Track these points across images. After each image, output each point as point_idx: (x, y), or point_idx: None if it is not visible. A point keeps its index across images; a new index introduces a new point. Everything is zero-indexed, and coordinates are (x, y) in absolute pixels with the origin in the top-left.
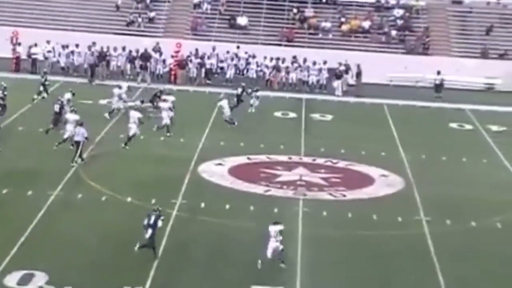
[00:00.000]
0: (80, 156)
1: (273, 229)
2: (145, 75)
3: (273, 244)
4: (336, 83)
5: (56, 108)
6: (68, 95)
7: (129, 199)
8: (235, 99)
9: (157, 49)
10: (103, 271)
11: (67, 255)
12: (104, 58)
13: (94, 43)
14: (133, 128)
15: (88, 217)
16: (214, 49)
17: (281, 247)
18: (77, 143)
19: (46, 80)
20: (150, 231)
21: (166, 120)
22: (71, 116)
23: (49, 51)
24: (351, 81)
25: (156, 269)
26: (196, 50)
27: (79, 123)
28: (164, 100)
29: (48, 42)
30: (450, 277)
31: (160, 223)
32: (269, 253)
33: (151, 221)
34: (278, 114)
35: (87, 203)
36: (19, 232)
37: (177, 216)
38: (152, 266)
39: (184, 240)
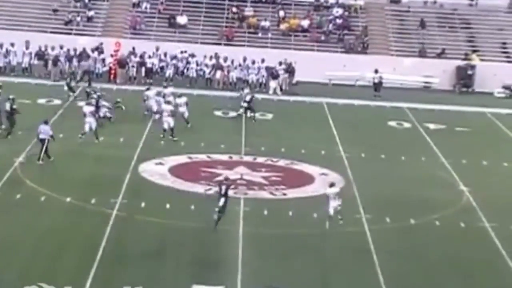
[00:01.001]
0: (46, 153)
1: (332, 191)
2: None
3: (334, 203)
4: (273, 83)
5: (94, 102)
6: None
7: (68, 199)
8: (245, 105)
9: (98, 49)
10: (42, 271)
11: (6, 256)
12: (43, 57)
13: (27, 42)
14: (169, 121)
15: (26, 217)
16: (157, 49)
17: (339, 207)
18: (42, 141)
19: (71, 81)
20: (222, 199)
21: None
22: (87, 109)
23: None
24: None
25: (96, 269)
26: (133, 48)
27: (44, 121)
28: (180, 96)
29: None
30: (389, 273)
31: (230, 192)
32: (331, 211)
33: (223, 191)
34: (218, 113)
35: (26, 204)
36: None
37: (117, 216)
38: (92, 266)
39: (124, 240)
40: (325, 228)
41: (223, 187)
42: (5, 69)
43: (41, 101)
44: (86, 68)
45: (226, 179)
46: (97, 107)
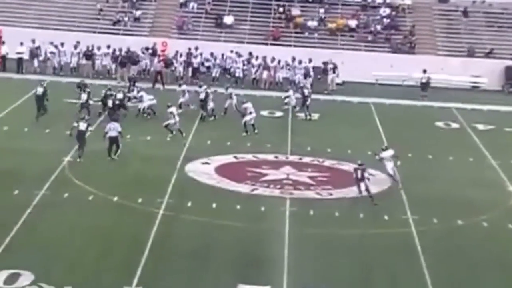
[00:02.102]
0: (117, 151)
1: (387, 154)
2: (124, 74)
3: (390, 164)
4: (304, 81)
5: (202, 96)
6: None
7: (115, 198)
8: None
9: (151, 49)
10: (89, 270)
11: (53, 254)
12: (90, 57)
13: (78, 42)
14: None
15: (74, 216)
16: (197, 48)
17: (394, 168)
18: (111, 138)
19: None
20: (362, 183)
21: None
22: (173, 109)
23: (52, 52)
24: (337, 80)
25: (142, 268)
26: (189, 49)
27: (114, 119)
28: (245, 102)
29: (51, 43)
30: (437, 275)
31: (366, 175)
32: (391, 171)
33: (359, 176)
34: (264, 113)
35: (73, 202)
36: (5, 232)
37: (164, 215)
38: (138, 265)
39: (170, 239)
40: (371, 229)
41: (359, 172)
42: (54, 69)
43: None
44: (159, 69)
45: (361, 164)
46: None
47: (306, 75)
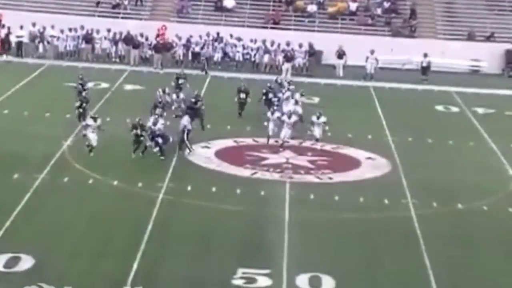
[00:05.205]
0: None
1: (321, 120)
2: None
3: (318, 130)
4: (286, 65)
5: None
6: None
7: (115, 182)
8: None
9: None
10: (89, 254)
11: (54, 238)
12: (90, 41)
13: (82, 27)
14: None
15: (74, 200)
16: (208, 34)
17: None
18: (189, 131)
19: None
20: None
21: None
22: None
23: (52, 36)
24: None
25: (142, 252)
26: (211, 34)
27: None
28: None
29: (52, 26)
30: (436, 258)
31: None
32: (318, 136)
33: None
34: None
35: (73, 187)
36: (5, 216)
37: (164, 199)
38: (138, 250)
39: (170, 223)
40: (371, 213)
41: None
42: (58, 54)
43: (89, 84)
44: (208, 55)
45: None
46: None
47: (288, 59)
